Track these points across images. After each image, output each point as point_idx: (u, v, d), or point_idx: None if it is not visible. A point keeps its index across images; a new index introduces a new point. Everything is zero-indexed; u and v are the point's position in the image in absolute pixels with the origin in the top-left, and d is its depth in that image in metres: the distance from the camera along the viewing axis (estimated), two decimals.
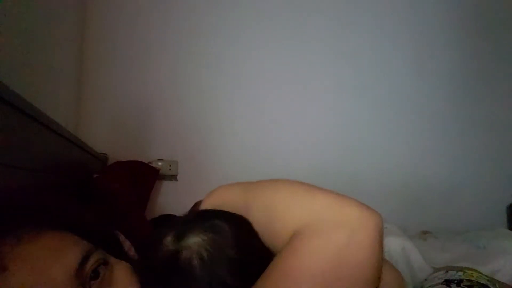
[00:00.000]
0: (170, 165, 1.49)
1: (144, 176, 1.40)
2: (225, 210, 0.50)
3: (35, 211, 0.46)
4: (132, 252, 0.62)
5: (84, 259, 0.42)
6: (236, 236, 0.45)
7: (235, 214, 0.49)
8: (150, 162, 1.46)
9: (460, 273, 0.75)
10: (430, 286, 0.75)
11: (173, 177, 1.51)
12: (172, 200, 1.48)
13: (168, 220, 1.36)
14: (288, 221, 0.43)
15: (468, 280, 0.71)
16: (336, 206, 0.41)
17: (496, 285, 0.73)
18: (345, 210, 0.41)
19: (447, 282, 0.72)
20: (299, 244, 0.39)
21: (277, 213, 0.45)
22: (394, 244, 0.95)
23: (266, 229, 0.46)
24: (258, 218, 0.47)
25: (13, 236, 0.41)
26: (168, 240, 0.46)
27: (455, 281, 0.71)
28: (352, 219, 0.40)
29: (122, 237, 0.63)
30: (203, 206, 0.55)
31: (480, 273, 0.76)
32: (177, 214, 1.52)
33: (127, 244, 0.63)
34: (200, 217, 0.50)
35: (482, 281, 0.71)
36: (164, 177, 1.49)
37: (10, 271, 0.39)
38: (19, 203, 0.47)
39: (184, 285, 0.43)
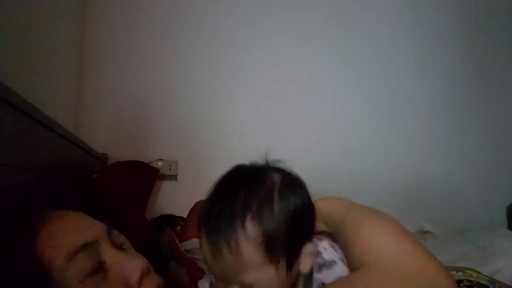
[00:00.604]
0: (170, 165, 1.49)
1: (144, 176, 1.40)
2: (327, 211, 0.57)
3: (56, 198, 0.54)
4: (132, 251, 0.62)
5: (109, 229, 0.51)
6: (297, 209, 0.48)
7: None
8: (150, 162, 1.46)
9: (460, 273, 0.75)
10: None
11: (173, 177, 1.51)
12: (172, 200, 1.48)
13: (169, 219, 1.35)
14: (369, 247, 0.45)
15: (468, 280, 0.71)
16: (417, 256, 0.43)
17: (496, 285, 0.73)
18: (424, 262, 0.42)
19: None
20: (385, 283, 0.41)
21: (364, 234, 0.47)
22: None
23: (346, 241, 0.50)
24: (345, 233, 0.50)
25: (41, 214, 0.47)
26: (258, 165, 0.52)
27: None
28: (430, 271, 0.41)
29: (122, 237, 0.63)
30: (317, 205, 0.57)
31: (480, 273, 0.76)
32: (177, 214, 1.52)
33: (127, 244, 0.63)
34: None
35: (482, 281, 0.71)
36: (164, 177, 1.49)
37: (55, 224, 0.46)
38: (40, 193, 0.55)
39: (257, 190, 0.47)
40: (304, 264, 0.48)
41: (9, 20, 0.81)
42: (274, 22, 1.62)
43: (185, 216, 1.27)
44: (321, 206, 0.57)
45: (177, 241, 1.14)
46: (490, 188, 1.68)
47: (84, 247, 0.44)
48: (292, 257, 0.47)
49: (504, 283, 0.82)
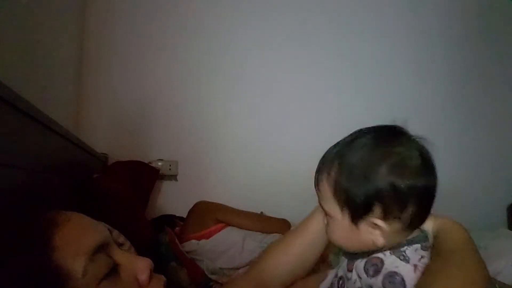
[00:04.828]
0: (170, 165, 1.49)
1: (144, 176, 1.40)
2: None
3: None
4: (132, 251, 0.62)
5: (109, 229, 0.53)
6: None
7: None
8: (150, 162, 1.46)
9: None
10: None
11: (173, 177, 1.51)
12: (172, 200, 1.48)
13: (169, 219, 1.35)
14: None
15: None
16: None
17: (496, 285, 0.73)
18: None
19: None
20: None
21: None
22: None
23: None
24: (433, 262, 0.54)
25: (50, 218, 0.47)
26: None
27: None
28: None
29: (122, 237, 0.63)
30: (439, 221, 0.63)
31: None
32: (177, 214, 1.51)
33: (127, 245, 0.63)
34: None
35: None
36: (164, 177, 1.49)
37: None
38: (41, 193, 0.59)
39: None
40: (373, 233, 0.54)
41: (9, 20, 0.81)
42: (274, 23, 1.62)
43: (185, 216, 1.26)
44: (442, 225, 0.61)
45: (177, 242, 1.14)
46: (490, 188, 1.68)
47: (98, 249, 0.45)
48: (355, 213, 0.54)
49: (504, 283, 0.82)
